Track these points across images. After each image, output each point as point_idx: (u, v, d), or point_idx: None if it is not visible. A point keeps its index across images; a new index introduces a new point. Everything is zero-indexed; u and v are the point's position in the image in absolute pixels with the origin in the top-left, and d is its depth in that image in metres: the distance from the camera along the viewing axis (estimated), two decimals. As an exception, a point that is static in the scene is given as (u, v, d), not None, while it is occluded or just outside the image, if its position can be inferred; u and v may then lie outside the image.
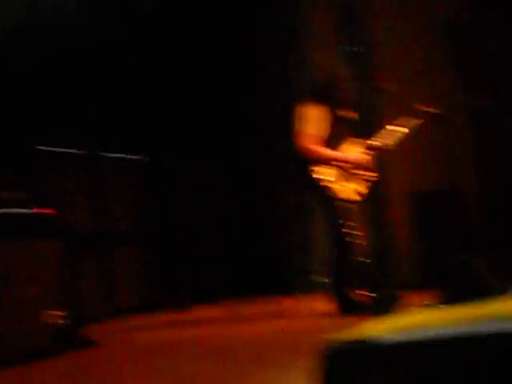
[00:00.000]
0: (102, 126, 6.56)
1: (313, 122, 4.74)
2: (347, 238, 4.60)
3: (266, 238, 7.52)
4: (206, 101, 7.35)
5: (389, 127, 4.82)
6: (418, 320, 1.65)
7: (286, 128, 5.56)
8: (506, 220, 5.50)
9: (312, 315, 5.09)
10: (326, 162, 4.71)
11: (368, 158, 4.79)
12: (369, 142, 4.83)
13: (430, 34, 6.16)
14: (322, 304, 5.36)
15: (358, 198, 4.73)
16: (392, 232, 6.02)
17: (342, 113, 4.88)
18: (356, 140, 4.88)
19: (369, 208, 4.93)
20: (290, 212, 7.22)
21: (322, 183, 4.67)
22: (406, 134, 4.86)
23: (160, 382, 3.14)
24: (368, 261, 4.64)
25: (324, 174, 4.69)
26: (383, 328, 1.64)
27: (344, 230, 4.61)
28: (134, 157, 6.74)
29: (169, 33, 7.04)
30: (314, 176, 4.69)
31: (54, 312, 4.23)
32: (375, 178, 4.83)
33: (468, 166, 5.65)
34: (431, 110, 4.69)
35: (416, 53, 6.22)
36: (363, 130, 5.10)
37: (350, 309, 4.68)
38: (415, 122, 4.87)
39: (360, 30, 6.67)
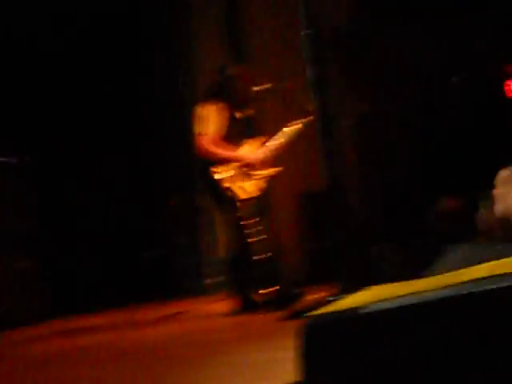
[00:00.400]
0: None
1: (210, 121, 4.73)
2: (247, 239, 4.61)
3: (153, 239, 7.41)
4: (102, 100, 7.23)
5: (285, 127, 4.87)
6: (378, 294, 1.76)
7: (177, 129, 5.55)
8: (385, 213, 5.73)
9: (209, 316, 5.06)
10: (224, 161, 4.71)
11: (265, 155, 4.82)
12: (267, 139, 4.87)
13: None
14: (218, 305, 5.36)
15: (257, 192, 4.77)
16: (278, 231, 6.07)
17: (239, 111, 4.89)
18: (253, 138, 4.91)
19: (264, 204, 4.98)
20: (179, 213, 7.14)
21: (222, 184, 4.67)
22: (298, 133, 4.93)
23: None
24: (269, 255, 4.67)
25: (223, 175, 4.69)
26: (352, 302, 1.74)
27: (244, 231, 4.63)
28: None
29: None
30: (215, 177, 4.68)
31: None
32: (273, 173, 4.88)
33: (352, 165, 5.83)
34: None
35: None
36: (258, 128, 5.14)
37: (252, 308, 4.69)
38: (305, 121, 4.96)
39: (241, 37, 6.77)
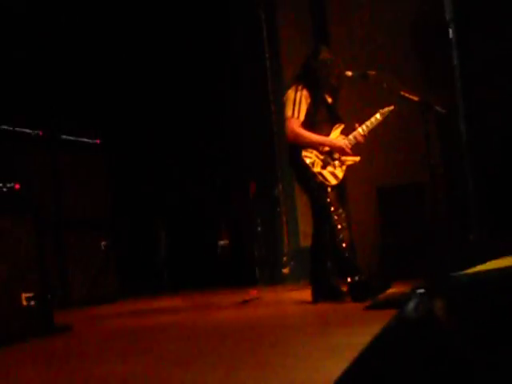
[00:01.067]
0: (58, 108, 6.48)
1: (301, 104, 4.71)
2: (337, 226, 4.55)
3: (232, 227, 7.44)
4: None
5: (378, 113, 4.79)
6: None
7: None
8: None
9: (288, 303, 5.02)
10: (315, 146, 4.68)
11: (348, 142, 4.74)
12: (356, 126, 4.79)
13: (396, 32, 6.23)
14: (298, 293, 5.31)
15: (335, 181, 4.70)
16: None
17: (330, 96, 4.86)
18: (335, 124, 4.84)
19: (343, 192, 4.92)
20: (252, 203, 7.14)
21: (312, 169, 4.64)
22: (379, 123, 4.84)
23: (150, 360, 2.97)
24: (352, 243, 4.63)
25: (314, 159, 4.66)
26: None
27: (334, 218, 4.57)
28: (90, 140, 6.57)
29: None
30: (305, 161, 4.64)
31: (26, 294, 3.99)
32: (352, 162, 4.80)
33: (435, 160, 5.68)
34: (414, 97, 4.66)
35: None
36: (339, 114, 5.06)
37: (335, 297, 4.65)
38: (388, 109, 4.86)
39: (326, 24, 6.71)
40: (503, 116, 5.42)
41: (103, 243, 6.35)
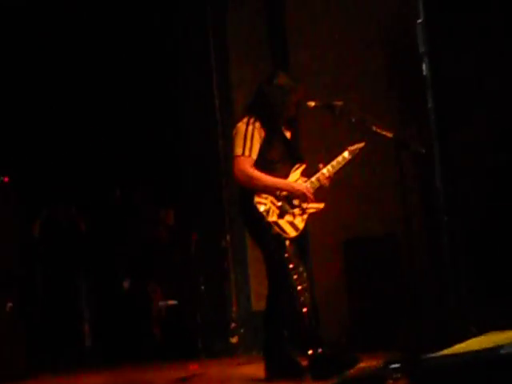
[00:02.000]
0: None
1: (253, 140, 4.69)
2: (295, 287, 4.54)
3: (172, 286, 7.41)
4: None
5: (346, 151, 4.86)
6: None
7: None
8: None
9: (236, 380, 4.98)
10: (270, 190, 4.65)
11: (310, 186, 4.77)
12: (319, 167, 4.83)
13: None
14: (249, 368, 5.28)
15: (294, 233, 4.68)
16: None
17: (289, 130, 4.89)
18: (299, 163, 4.87)
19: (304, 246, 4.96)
20: (193, 257, 7.13)
21: (267, 218, 4.60)
22: (347, 162, 4.92)
23: None
24: (314, 308, 4.62)
25: (269, 206, 4.63)
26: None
27: (293, 277, 4.55)
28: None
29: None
30: (258, 209, 4.61)
31: None
32: (315, 210, 4.83)
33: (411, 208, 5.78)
34: (387, 133, 4.74)
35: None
36: (299, 152, 5.12)
37: (293, 373, 4.62)
38: (358, 146, 4.95)
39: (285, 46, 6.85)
40: (480, 159, 5.61)
41: (9, 305, 6.23)
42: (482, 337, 2.39)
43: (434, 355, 2.63)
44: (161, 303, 7.46)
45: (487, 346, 2.00)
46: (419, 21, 5.85)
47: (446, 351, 2.28)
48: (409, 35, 5.98)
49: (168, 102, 7.63)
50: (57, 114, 7.84)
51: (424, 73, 5.89)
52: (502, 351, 1.87)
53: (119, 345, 7.17)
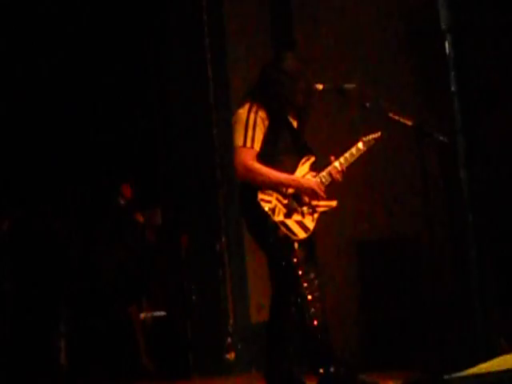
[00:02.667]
0: None
1: (256, 130, 4.67)
2: (305, 296, 4.54)
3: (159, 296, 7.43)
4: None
5: (360, 142, 4.86)
6: None
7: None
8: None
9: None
10: (275, 186, 4.64)
11: (320, 181, 4.77)
12: (331, 160, 4.83)
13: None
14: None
15: (304, 234, 4.67)
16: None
17: (297, 119, 4.87)
18: (303, 157, 4.87)
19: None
20: (184, 263, 7.14)
21: (272, 218, 4.58)
22: (361, 154, 4.92)
23: None
24: (325, 320, 4.62)
25: (275, 204, 4.62)
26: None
27: (302, 284, 4.55)
28: None
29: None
30: (263, 207, 4.59)
31: None
32: (327, 208, 4.84)
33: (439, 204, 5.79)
34: (407, 121, 4.75)
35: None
36: (307, 143, 5.12)
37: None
38: (373, 136, 4.95)
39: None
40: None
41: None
42: (510, 355, 2.39)
43: (457, 375, 2.63)
44: (147, 315, 7.47)
45: None
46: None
47: (470, 371, 2.27)
48: (430, 9, 5.98)
49: (156, 84, 7.62)
50: (37, 109, 7.87)
51: (447, 52, 5.88)
52: None
53: (100, 361, 7.19)
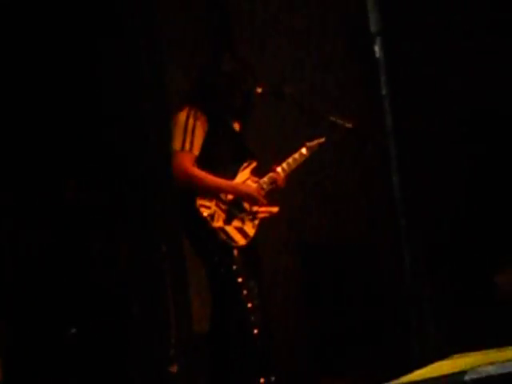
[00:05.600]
0: None
1: (195, 134, 4.80)
2: (246, 304, 4.68)
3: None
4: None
5: (304, 148, 5.00)
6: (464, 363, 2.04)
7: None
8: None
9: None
10: (214, 191, 4.78)
11: (261, 187, 4.89)
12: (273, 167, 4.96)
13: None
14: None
15: (243, 241, 4.81)
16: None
17: (238, 122, 5.00)
18: (244, 161, 4.99)
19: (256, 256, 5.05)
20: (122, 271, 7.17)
21: (212, 224, 4.72)
22: (305, 160, 5.06)
23: None
24: (267, 329, 4.75)
25: (214, 210, 4.75)
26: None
27: (242, 292, 4.69)
28: None
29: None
30: (202, 213, 4.74)
31: None
32: (267, 215, 4.96)
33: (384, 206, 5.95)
34: (346, 124, 4.89)
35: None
36: (249, 148, 5.22)
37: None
38: (318, 141, 5.09)
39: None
40: (444, 153, 5.77)
41: None
42: (446, 361, 2.49)
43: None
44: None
45: (450, 372, 2.08)
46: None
47: (403, 378, 2.38)
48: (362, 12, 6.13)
49: (90, 88, 7.62)
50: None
51: (377, 55, 6.01)
52: (466, 378, 1.93)
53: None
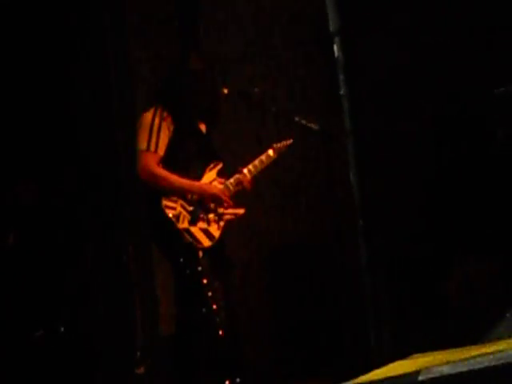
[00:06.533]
0: None
1: (160, 134, 4.83)
2: (210, 306, 4.71)
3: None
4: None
5: (271, 149, 5.03)
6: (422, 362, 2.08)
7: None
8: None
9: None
10: (179, 191, 4.80)
11: (226, 188, 4.93)
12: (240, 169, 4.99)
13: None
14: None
15: (209, 242, 4.84)
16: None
17: (203, 122, 5.03)
18: (210, 162, 5.02)
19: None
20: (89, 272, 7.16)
21: (176, 225, 4.75)
22: (271, 162, 5.10)
23: None
24: (233, 330, 4.80)
25: (179, 211, 4.78)
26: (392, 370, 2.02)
27: (207, 294, 4.72)
28: None
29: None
30: (167, 214, 4.76)
31: None
32: (233, 216, 4.99)
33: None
34: (311, 124, 4.93)
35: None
36: (215, 149, 5.25)
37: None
38: (285, 143, 5.12)
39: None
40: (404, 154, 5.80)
41: None
42: (405, 360, 2.53)
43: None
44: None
45: (405, 372, 2.10)
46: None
47: (361, 378, 2.41)
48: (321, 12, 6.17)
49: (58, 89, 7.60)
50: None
51: (335, 54, 6.05)
52: (420, 377, 1.95)
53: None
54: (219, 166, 5.01)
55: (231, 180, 4.95)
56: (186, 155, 4.93)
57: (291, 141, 5.11)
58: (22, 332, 7.30)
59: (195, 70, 4.94)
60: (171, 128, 4.86)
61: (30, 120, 7.71)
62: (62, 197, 7.49)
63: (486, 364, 1.94)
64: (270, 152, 5.06)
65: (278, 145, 5.10)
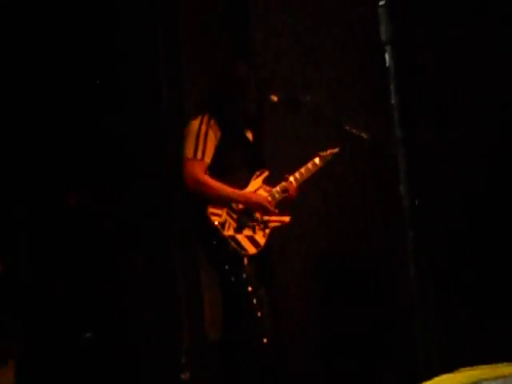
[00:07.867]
0: None
1: (207, 142, 4.86)
2: (255, 313, 4.74)
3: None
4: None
5: (317, 157, 5.04)
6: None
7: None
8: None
9: None
10: (224, 200, 4.83)
11: (271, 197, 4.94)
12: (286, 177, 5.00)
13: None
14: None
15: (254, 250, 4.87)
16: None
17: (251, 131, 5.06)
18: (256, 170, 5.05)
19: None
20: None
21: (222, 232, 4.78)
22: (318, 170, 5.10)
23: None
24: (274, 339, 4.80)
25: (225, 218, 4.81)
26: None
27: (252, 301, 4.75)
28: None
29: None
30: (213, 221, 4.79)
31: None
32: (279, 224, 5.00)
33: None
34: (362, 134, 4.91)
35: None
36: (262, 157, 5.27)
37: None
38: (332, 151, 5.12)
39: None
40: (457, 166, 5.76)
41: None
42: (452, 374, 2.49)
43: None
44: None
45: None
46: (381, 3, 6.00)
47: None
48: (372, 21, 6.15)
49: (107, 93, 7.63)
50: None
51: (387, 64, 6.00)
52: None
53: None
54: (265, 174, 5.04)
55: (277, 188, 4.97)
56: (232, 163, 4.96)
57: (337, 149, 5.10)
58: (71, 333, 7.35)
59: (240, 78, 4.99)
60: (218, 135, 4.89)
61: (84, 131, 7.76)
62: (113, 203, 7.58)
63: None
64: (316, 160, 5.06)
65: (324, 153, 5.09)
